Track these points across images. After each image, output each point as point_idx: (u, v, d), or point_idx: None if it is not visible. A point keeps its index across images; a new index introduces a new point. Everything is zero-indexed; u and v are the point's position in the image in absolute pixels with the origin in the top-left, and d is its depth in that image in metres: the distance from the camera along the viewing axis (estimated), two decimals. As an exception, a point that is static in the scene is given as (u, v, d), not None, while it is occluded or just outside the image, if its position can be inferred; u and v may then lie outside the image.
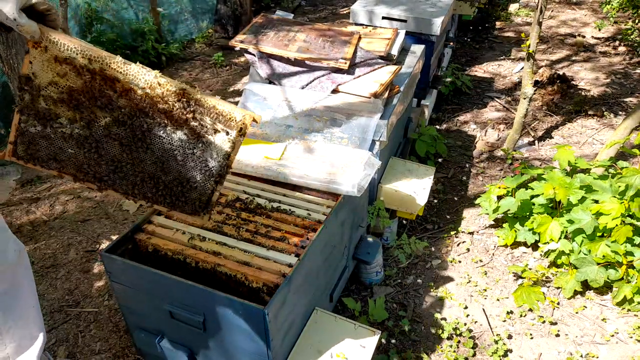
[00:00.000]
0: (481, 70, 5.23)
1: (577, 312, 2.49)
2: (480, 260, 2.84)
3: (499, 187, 2.91)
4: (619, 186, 2.52)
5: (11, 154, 1.28)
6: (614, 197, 2.51)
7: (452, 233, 3.04)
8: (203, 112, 1.28)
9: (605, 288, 2.58)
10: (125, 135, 1.29)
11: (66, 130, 1.27)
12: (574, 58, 5.38)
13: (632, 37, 5.53)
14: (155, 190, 1.38)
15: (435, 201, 3.35)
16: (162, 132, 1.29)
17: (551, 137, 3.99)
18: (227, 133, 1.31)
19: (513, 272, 2.74)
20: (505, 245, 2.92)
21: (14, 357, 1.86)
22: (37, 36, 1.17)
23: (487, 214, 2.98)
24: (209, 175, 1.35)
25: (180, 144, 1.31)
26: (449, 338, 2.35)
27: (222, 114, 1.29)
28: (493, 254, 2.89)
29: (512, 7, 6.81)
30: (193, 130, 1.30)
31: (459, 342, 2.34)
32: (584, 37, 5.83)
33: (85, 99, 1.24)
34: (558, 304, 2.54)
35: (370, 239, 2.59)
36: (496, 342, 2.32)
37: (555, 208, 2.77)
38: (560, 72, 4.69)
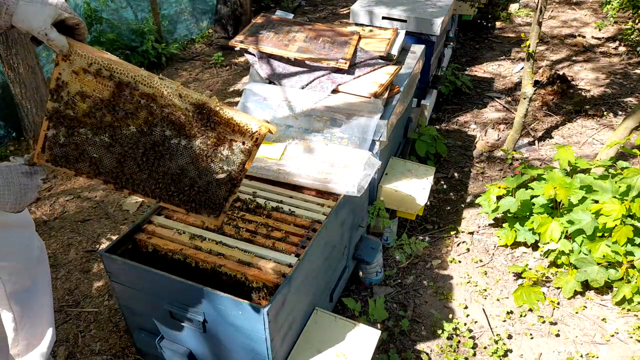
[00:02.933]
0: (481, 70, 5.23)
1: (577, 312, 2.49)
2: (480, 260, 2.84)
3: (499, 187, 2.91)
4: (620, 186, 2.52)
5: (39, 157, 1.35)
6: (615, 197, 2.51)
7: (452, 233, 3.04)
8: (221, 122, 1.35)
9: (605, 288, 2.59)
10: (147, 143, 1.36)
11: (91, 137, 1.34)
12: (574, 58, 5.38)
13: (632, 37, 5.54)
14: (174, 193, 1.44)
15: (435, 201, 3.35)
16: (181, 140, 1.37)
17: (551, 137, 3.99)
18: (244, 143, 1.38)
19: (513, 272, 2.74)
20: (505, 245, 2.92)
21: (23, 354, 1.87)
22: (66, 50, 1.21)
23: (487, 213, 2.98)
24: (225, 181, 1.43)
25: (199, 152, 1.38)
26: (449, 338, 2.36)
27: (239, 125, 1.35)
28: (493, 254, 2.89)
29: (512, 7, 6.81)
30: (211, 140, 1.37)
31: (459, 342, 2.34)
32: (584, 37, 5.83)
33: (110, 109, 1.31)
34: (558, 304, 2.54)
35: (370, 239, 2.59)
36: (496, 342, 2.32)
37: (555, 208, 2.77)
38: (560, 72, 4.69)
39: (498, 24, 6.43)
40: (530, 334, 2.39)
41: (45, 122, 1.31)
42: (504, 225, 2.92)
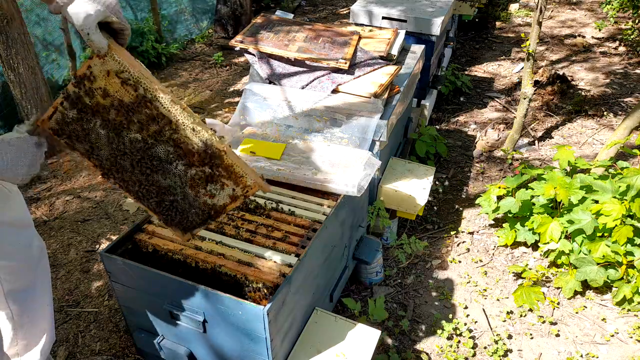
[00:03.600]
0: (481, 70, 5.23)
1: (577, 312, 2.49)
2: (480, 260, 2.84)
3: (499, 187, 2.91)
4: (619, 186, 2.52)
5: (45, 122, 1.39)
6: (614, 197, 2.51)
7: (452, 233, 3.04)
8: (221, 165, 1.38)
9: (605, 288, 2.59)
10: (147, 154, 1.40)
11: (98, 128, 1.38)
12: (573, 58, 5.38)
13: (632, 37, 5.54)
14: (154, 202, 1.49)
15: (435, 201, 3.35)
16: (179, 164, 1.40)
17: (551, 137, 3.99)
18: (234, 190, 1.41)
19: (513, 272, 2.74)
20: (505, 245, 2.92)
21: (22, 354, 1.87)
22: (103, 52, 1.23)
23: (487, 213, 2.98)
24: (202, 213, 1.47)
25: (191, 181, 1.42)
26: (449, 338, 2.36)
27: (236, 174, 1.39)
28: (493, 254, 2.89)
29: (512, 7, 6.81)
30: (206, 174, 1.40)
31: (459, 342, 2.34)
32: (583, 37, 5.83)
33: (124, 113, 1.34)
34: (558, 304, 2.54)
35: (370, 239, 2.59)
36: (496, 342, 2.32)
37: (555, 208, 2.77)
38: (560, 72, 4.69)
39: (498, 24, 6.43)
40: (530, 334, 2.39)
41: (61, 98, 1.35)
42: (504, 225, 2.92)
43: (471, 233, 3.06)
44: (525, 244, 2.91)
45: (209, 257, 1.78)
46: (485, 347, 2.33)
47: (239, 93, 4.70)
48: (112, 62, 1.26)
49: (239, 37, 2.70)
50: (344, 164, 2.19)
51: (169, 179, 1.42)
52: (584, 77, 4.93)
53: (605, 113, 4.25)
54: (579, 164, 2.82)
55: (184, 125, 1.33)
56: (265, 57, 2.64)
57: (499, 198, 2.92)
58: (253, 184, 1.39)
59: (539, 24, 3.25)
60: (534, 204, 2.81)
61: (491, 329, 2.42)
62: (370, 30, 3.03)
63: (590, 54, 5.44)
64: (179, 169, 1.40)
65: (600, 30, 5.90)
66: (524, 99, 3.51)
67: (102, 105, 1.33)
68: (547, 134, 4.03)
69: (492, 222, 3.11)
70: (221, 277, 1.76)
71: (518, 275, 2.71)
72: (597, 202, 2.57)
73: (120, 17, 1.21)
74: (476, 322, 2.46)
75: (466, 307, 2.54)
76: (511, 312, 2.50)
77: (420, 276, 2.74)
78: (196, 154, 1.36)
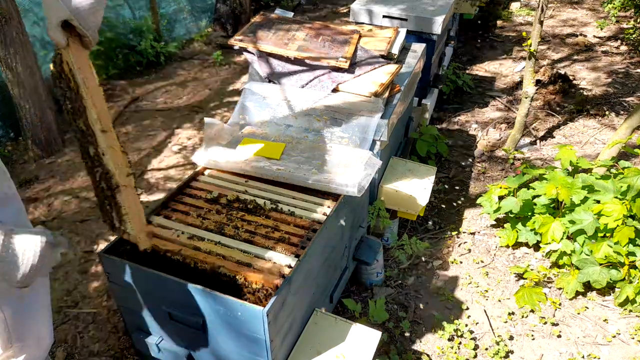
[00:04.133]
0: (482, 70, 5.21)
1: (578, 313, 2.48)
2: (482, 261, 2.83)
3: (501, 187, 2.89)
4: (621, 186, 2.50)
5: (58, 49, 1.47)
6: (616, 197, 2.49)
7: (454, 233, 3.02)
8: (115, 198, 1.48)
9: (607, 289, 2.57)
10: (85, 141, 1.47)
11: (65, 88, 1.44)
12: (575, 57, 5.36)
13: (633, 36, 5.52)
14: (92, 181, 1.58)
15: (436, 201, 3.33)
16: (98, 171, 1.48)
17: (553, 137, 3.97)
18: (119, 225, 1.56)
19: (514, 273, 2.72)
20: (507, 246, 2.90)
21: (18, 356, 1.85)
22: (61, 48, 1.31)
23: (488, 213, 2.97)
24: (110, 222, 1.57)
25: (101, 189, 1.52)
26: (450, 339, 2.34)
27: (121, 214, 1.50)
28: (494, 255, 2.87)
29: (513, 6, 6.80)
30: (108, 195, 1.50)
31: (460, 343, 2.33)
32: (585, 36, 5.82)
33: (77, 97, 1.41)
34: (560, 304, 2.53)
35: (370, 240, 2.57)
36: (497, 343, 2.31)
37: (556, 208, 2.76)
38: (562, 72, 4.67)
39: (499, 23, 6.41)
40: (532, 335, 2.37)
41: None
42: (505, 225, 2.91)
43: (472, 233, 3.04)
44: (526, 245, 2.89)
45: (208, 258, 1.76)
46: (486, 349, 2.31)
47: (238, 92, 4.68)
48: (67, 58, 1.34)
49: (238, 36, 2.68)
50: (344, 163, 2.17)
51: (93, 175, 1.51)
52: (585, 77, 4.92)
53: (607, 112, 4.24)
54: (581, 164, 2.80)
55: (98, 144, 1.42)
56: (265, 56, 2.63)
57: (501, 198, 2.90)
58: (132, 234, 1.50)
59: (541, 22, 3.23)
60: (535, 204, 2.80)
61: (492, 330, 2.41)
62: (370, 30, 3.01)
63: (592, 53, 5.42)
64: (98, 174, 1.49)
65: (601, 29, 5.88)
66: (526, 98, 3.49)
67: (67, 77, 1.41)
68: (549, 134, 4.01)
69: (494, 222, 3.10)
70: (220, 278, 1.74)
71: (519, 276, 2.70)
72: (598, 202, 2.55)
73: (85, 23, 1.27)
74: (477, 323, 2.44)
75: (467, 308, 2.53)
76: (512, 313, 2.49)
77: (421, 277, 2.72)
78: (106, 172, 1.46)
